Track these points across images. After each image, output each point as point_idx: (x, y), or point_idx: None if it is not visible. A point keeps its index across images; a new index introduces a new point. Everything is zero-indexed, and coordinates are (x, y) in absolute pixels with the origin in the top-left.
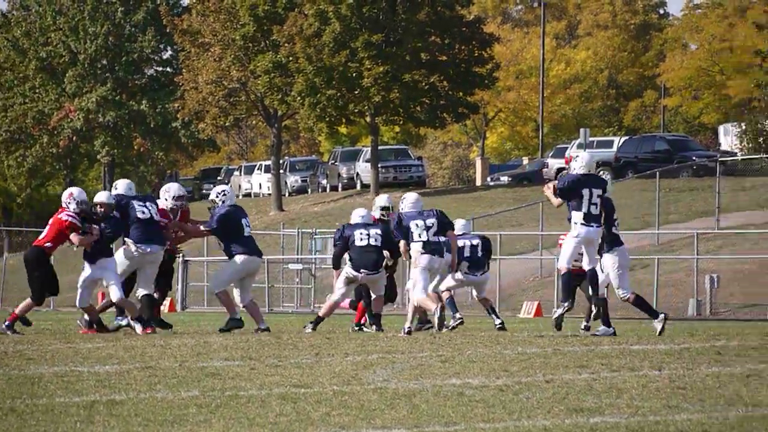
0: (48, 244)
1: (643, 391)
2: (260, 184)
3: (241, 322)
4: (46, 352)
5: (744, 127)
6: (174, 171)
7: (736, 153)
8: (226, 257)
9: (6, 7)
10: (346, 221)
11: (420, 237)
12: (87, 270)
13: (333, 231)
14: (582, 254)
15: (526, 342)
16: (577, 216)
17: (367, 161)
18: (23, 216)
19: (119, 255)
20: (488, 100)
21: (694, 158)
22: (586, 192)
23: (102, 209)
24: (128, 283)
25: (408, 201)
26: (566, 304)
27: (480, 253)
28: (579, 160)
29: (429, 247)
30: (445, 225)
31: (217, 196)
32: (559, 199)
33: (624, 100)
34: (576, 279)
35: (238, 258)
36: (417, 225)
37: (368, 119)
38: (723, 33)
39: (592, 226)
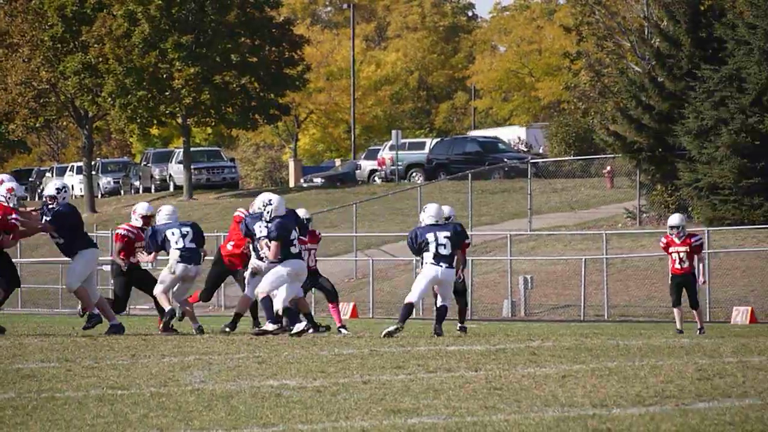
0: None
1: (460, 392)
2: (72, 186)
3: (100, 319)
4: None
5: (553, 129)
6: None
7: (546, 155)
8: (64, 254)
9: None
10: None
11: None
12: None
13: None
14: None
15: (343, 343)
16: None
17: (179, 163)
18: None
19: None
20: (300, 102)
21: (505, 160)
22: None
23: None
24: None
25: (164, 213)
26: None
27: None
28: (426, 212)
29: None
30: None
31: (58, 193)
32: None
33: (435, 101)
34: None
35: (87, 252)
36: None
37: (180, 120)
38: (531, 35)
39: (441, 266)
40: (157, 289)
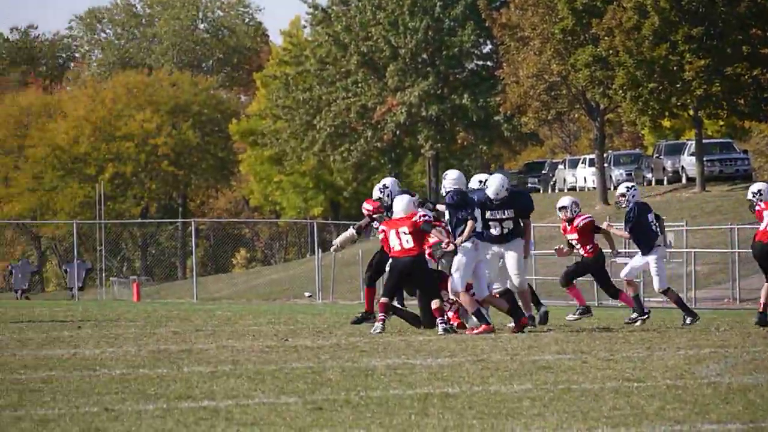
0: None
1: None
2: (584, 178)
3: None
4: (378, 344)
5: None
6: (498, 165)
7: None
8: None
9: (327, 2)
10: (674, 214)
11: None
12: None
13: (671, 224)
14: None
15: None
16: None
17: (691, 155)
18: (350, 210)
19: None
20: None
21: None
22: None
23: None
24: None
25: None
26: None
27: None
28: None
29: None
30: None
31: (381, 192)
32: None
33: None
34: None
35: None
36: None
37: (691, 113)
38: None
39: None
40: None
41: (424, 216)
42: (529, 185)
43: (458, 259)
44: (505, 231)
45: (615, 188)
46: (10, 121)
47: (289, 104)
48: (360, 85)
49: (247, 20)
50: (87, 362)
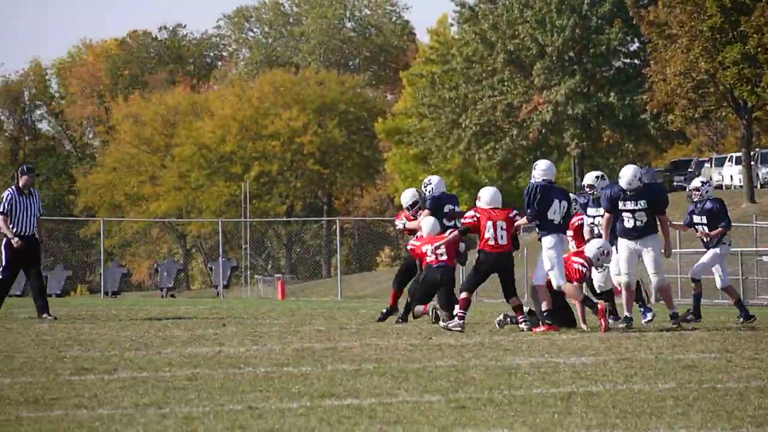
0: None
1: None
2: (731, 176)
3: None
4: (522, 343)
5: None
6: (644, 163)
7: None
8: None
9: (474, 0)
10: None
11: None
12: None
13: None
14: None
15: None
16: None
17: None
18: None
19: None
20: None
21: None
22: None
23: None
24: None
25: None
26: None
27: None
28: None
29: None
30: None
31: (425, 187)
32: None
33: None
34: None
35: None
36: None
37: None
38: None
39: None
40: None
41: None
42: (675, 183)
43: (550, 255)
44: (638, 224)
45: (761, 186)
46: (158, 120)
47: (434, 103)
48: (506, 83)
49: (394, 18)
50: (231, 360)
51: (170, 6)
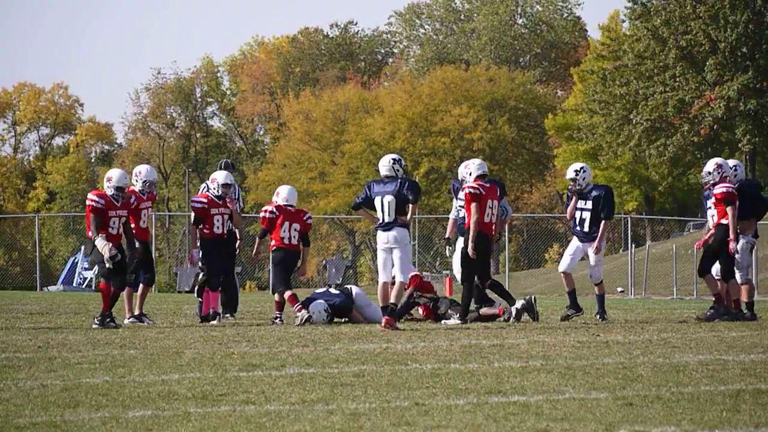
0: None
1: None
2: None
3: None
4: (690, 340)
5: None
6: None
7: None
8: None
9: None
10: None
11: None
12: None
13: None
14: None
15: None
16: None
17: None
18: (665, 204)
19: None
20: None
21: None
22: None
23: None
24: None
25: None
26: None
27: None
28: None
29: None
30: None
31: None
32: None
33: None
34: None
35: None
36: None
37: None
38: None
39: None
40: None
41: None
42: None
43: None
44: None
45: None
46: (328, 117)
47: (605, 99)
48: (678, 79)
49: (565, 15)
50: (398, 357)
51: (341, 3)
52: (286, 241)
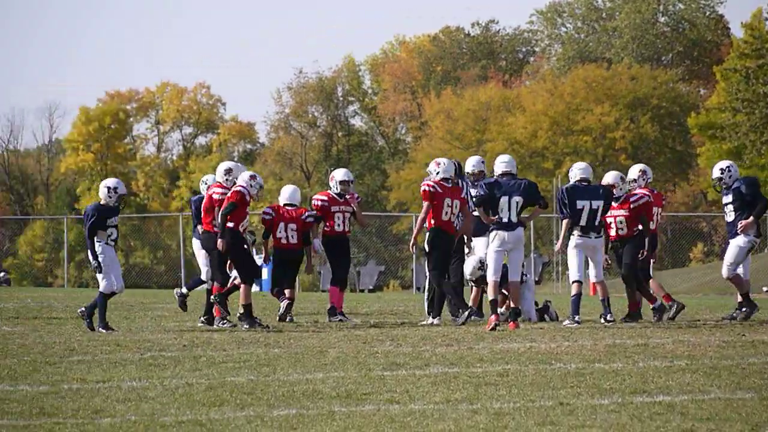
0: None
1: None
2: None
3: None
4: None
5: None
6: None
7: None
8: None
9: None
10: None
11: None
12: None
13: None
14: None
15: None
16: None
17: None
18: None
19: None
20: None
21: None
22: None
23: None
24: None
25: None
26: None
27: None
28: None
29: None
30: None
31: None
32: None
33: None
34: None
35: None
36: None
37: None
38: None
39: None
40: None
41: None
42: None
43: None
44: None
45: None
46: (470, 116)
47: (749, 97)
48: None
49: (708, 13)
50: (542, 356)
51: (483, 2)
52: (283, 241)
